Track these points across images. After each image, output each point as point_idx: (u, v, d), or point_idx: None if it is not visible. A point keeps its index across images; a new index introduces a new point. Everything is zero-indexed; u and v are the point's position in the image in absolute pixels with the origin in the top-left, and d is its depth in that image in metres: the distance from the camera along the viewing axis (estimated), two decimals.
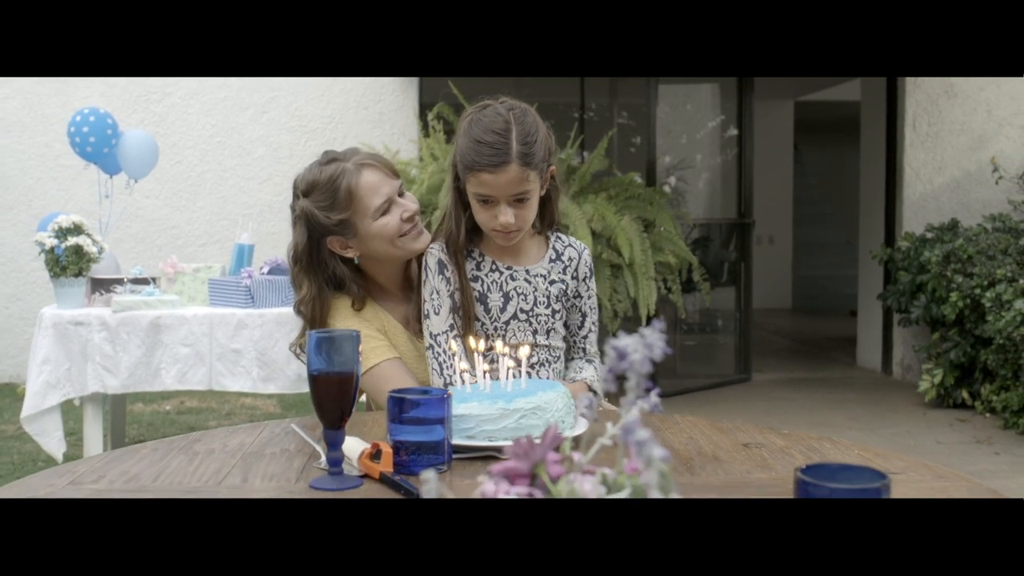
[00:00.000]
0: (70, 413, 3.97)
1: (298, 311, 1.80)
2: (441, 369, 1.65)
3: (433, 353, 1.66)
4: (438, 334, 1.66)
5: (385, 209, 1.77)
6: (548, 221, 1.74)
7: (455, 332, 1.66)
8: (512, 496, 0.61)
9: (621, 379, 0.60)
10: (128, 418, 4.46)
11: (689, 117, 7.29)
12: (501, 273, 1.70)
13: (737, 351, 6.42)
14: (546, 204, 1.71)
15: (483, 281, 1.69)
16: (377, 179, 1.78)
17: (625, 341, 0.56)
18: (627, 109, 7.72)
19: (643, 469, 0.51)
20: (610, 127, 7.22)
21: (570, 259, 1.75)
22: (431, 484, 0.54)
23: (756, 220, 6.58)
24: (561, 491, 0.60)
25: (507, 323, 1.68)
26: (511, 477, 0.64)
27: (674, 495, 0.61)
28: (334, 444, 1.15)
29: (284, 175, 5.96)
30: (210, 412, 5.02)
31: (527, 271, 1.71)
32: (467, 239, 1.69)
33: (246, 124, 5.99)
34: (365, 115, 6.02)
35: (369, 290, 1.85)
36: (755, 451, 1.28)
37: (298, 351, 1.86)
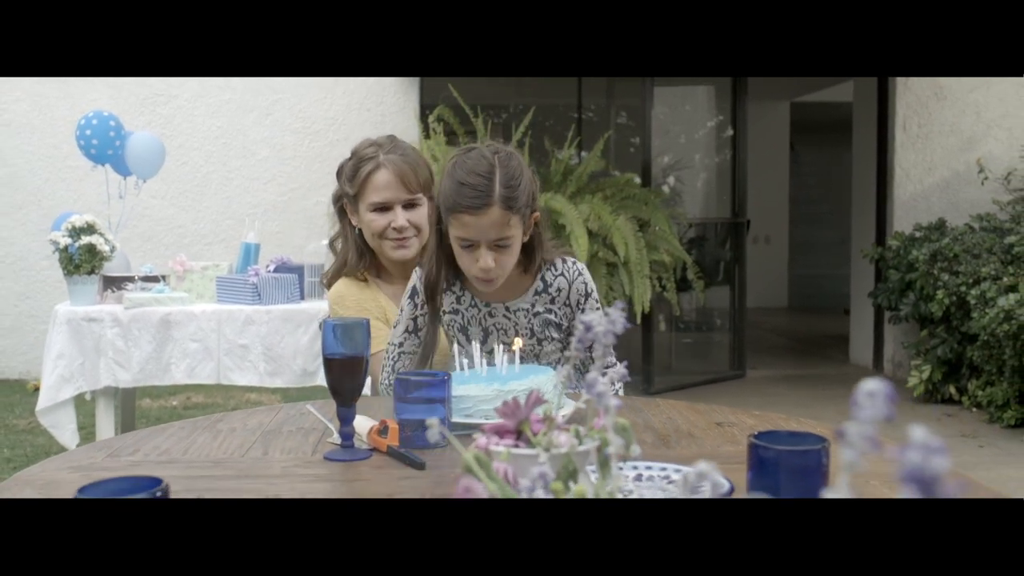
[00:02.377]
0: (80, 408, 4.09)
1: (330, 245, 2.11)
2: (390, 371, 1.74)
3: (387, 355, 1.76)
4: (391, 344, 1.76)
5: (378, 208, 1.95)
6: (533, 264, 1.68)
7: (403, 350, 1.73)
8: (500, 447, 0.74)
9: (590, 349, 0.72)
10: (136, 413, 4.58)
11: (686, 118, 7.42)
12: (480, 310, 1.71)
13: (732, 348, 6.54)
14: (530, 249, 1.66)
15: (463, 315, 1.71)
16: (386, 181, 1.94)
17: (590, 316, 0.69)
18: (624, 110, 7.86)
19: (601, 417, 0.64)
20: (607, 128, 7.35)
21: (559, 290, 1.70)
22: (435, 428, 0.66)
23: (753, 220, 6.70)
24: (541, 442, 0.72)
25: (490, 353, 1.65)
26: (500, 433, 0.77)
27: (634, 448, 0.74)
28: (346, 420, 1.28)
29: (288, 176, 6.10)
30: (216, 407, 5.14)
31: (506, 307, 1.70)
32: (447, 279, 1.70)
33: (250, 126, 6.10)
34: (367, 117, 6.14)
35: (372, 265, 2.06)
36: (727, 429, 1.41)
37: (324, 280, 2.10)
